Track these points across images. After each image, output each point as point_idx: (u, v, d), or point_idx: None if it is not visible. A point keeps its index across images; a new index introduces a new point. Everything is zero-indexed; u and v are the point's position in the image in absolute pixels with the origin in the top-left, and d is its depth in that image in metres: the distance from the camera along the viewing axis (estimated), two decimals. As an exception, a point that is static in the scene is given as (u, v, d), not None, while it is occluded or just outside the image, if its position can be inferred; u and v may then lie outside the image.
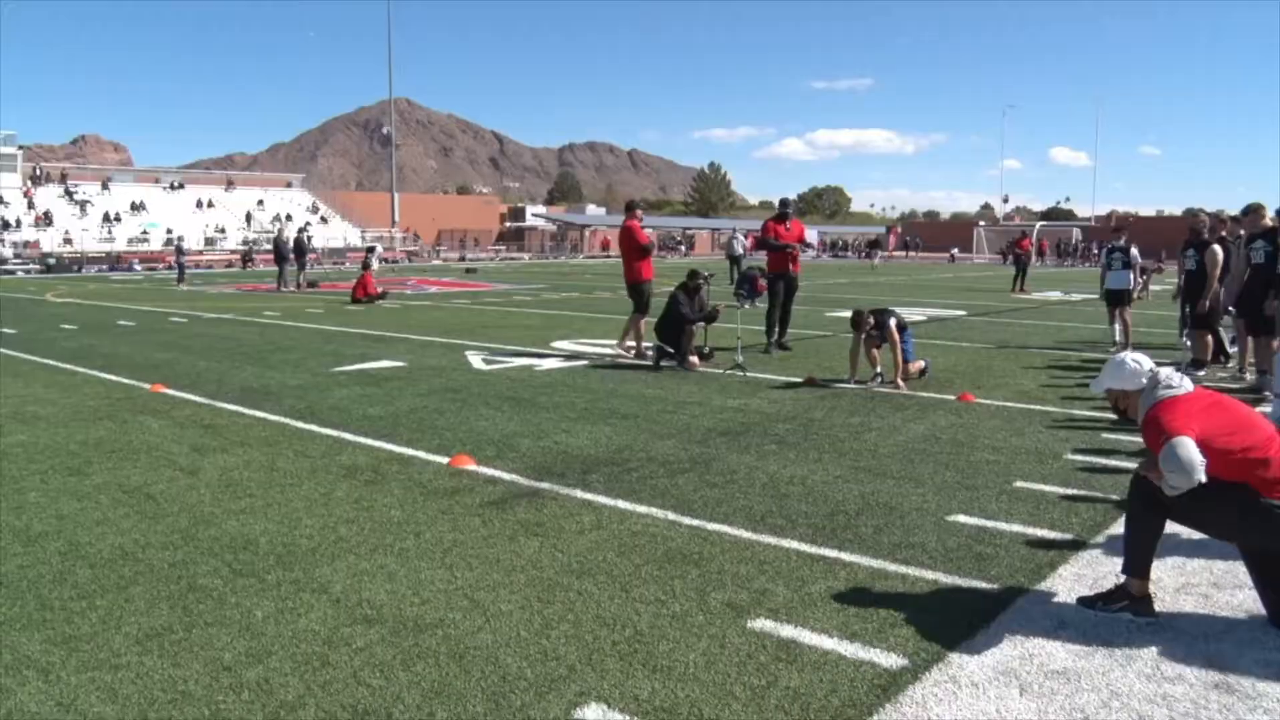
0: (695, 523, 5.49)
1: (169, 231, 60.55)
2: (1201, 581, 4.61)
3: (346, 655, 3.80)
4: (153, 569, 4.77)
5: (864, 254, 78.04)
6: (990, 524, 5.45)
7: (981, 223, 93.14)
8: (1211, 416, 4.02)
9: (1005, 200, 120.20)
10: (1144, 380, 4.24)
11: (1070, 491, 6.14)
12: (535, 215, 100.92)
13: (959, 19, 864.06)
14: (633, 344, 12.60)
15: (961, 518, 5.58)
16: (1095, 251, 58.93)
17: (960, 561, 4.85)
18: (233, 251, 56.95)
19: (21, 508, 5.82)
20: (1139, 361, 4.30)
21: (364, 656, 3.79)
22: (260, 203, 70.87)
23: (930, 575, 4.66)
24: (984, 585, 4.54)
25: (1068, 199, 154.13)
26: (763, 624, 4.09)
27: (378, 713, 3.36)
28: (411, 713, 3.36)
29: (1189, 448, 3.85)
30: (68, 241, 55.21)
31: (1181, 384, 4.17)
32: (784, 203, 13.96)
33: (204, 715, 3.35)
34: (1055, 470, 6.69)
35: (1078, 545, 5.11)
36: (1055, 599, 4.39)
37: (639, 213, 13.07)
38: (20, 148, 65.40)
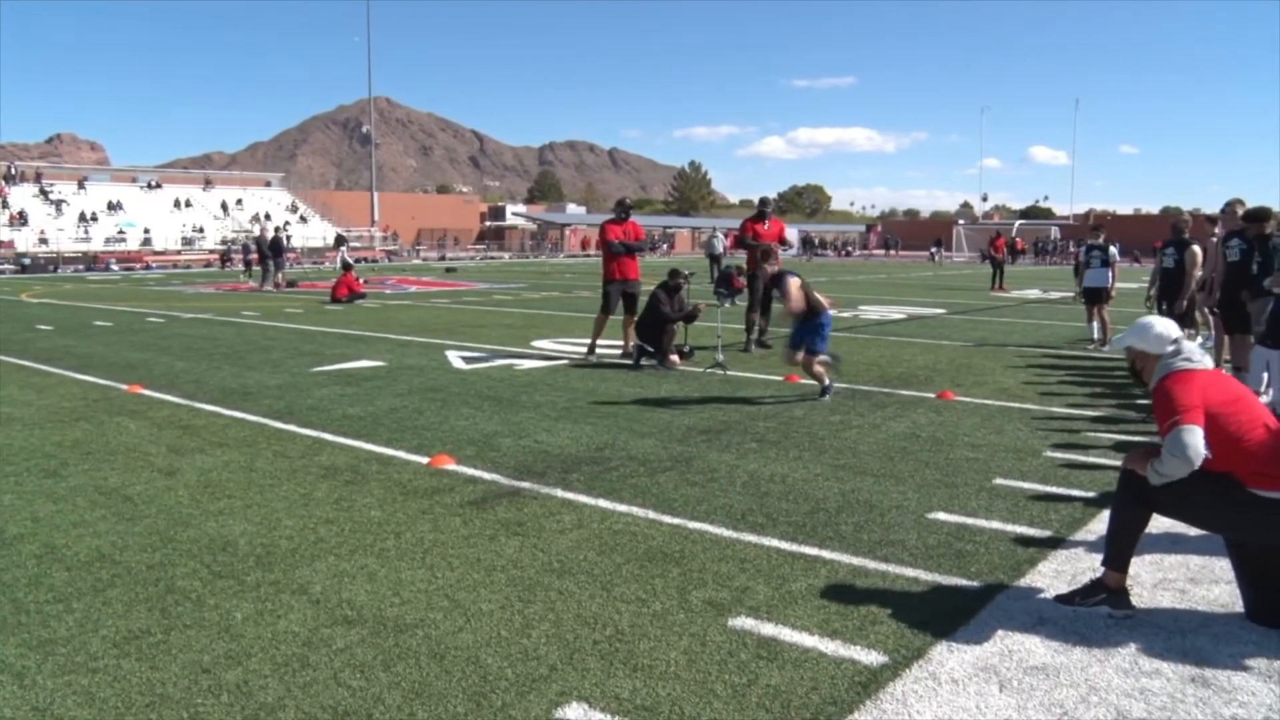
0: (676, 521, 5.49)
1: (146, 231, 60.18)
2: (1178, 577, 4.65)
3: (327, 656, 3.78)
4: (130, 571, 4.73)
5: (844, 253, 78.27)
6: (970, 521, 5.48)
7: (961, 221, 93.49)
8: (1219, 390, 4.09)
9: (984, 199, 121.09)
10: (1167, 347, 4.25)
11: (1049, 489, 6.17)
12: (515, 214, 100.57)
13: (940, 18, 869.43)
14: (606, 343, 12.59)
15: (941, 515, 5.60)
16: (1074, 249, 59.28)
17: (940, 559, 4.87)
18: (211, 251, 56.66)
19: (-3, 510, 5.76)
20: (1167, 328, 4.31)
21: (344, 657, 3.77)
22: (239, 202, 70.50)
23: (910, 572, 4.68)
24: (964, 582, 4.56)
25: (1046, 197, 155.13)
26: (744, 622, 4.09)
27: (358, 714, 3.34)
28: (392, 713, 3.35)
29: (1198, 437, 3.92)
30: (43, 241, 54.78)
31: (1201, 360, 4.19)
32: (763, 202, 14.07)
33: (183, 718, 3.33)
34: (1035, 467, 6.73)
35: (1057, 542, 5.14)
36: (1034, 595, 4.41)
37: (626, 208, 12.97)
38: (-6, 147, 64.80)
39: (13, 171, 65.89)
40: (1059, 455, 7.10)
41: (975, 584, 4.53)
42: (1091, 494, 6.02)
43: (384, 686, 3.53)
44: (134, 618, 4.17)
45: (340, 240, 56.71)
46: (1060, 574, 4.66)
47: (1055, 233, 76.20)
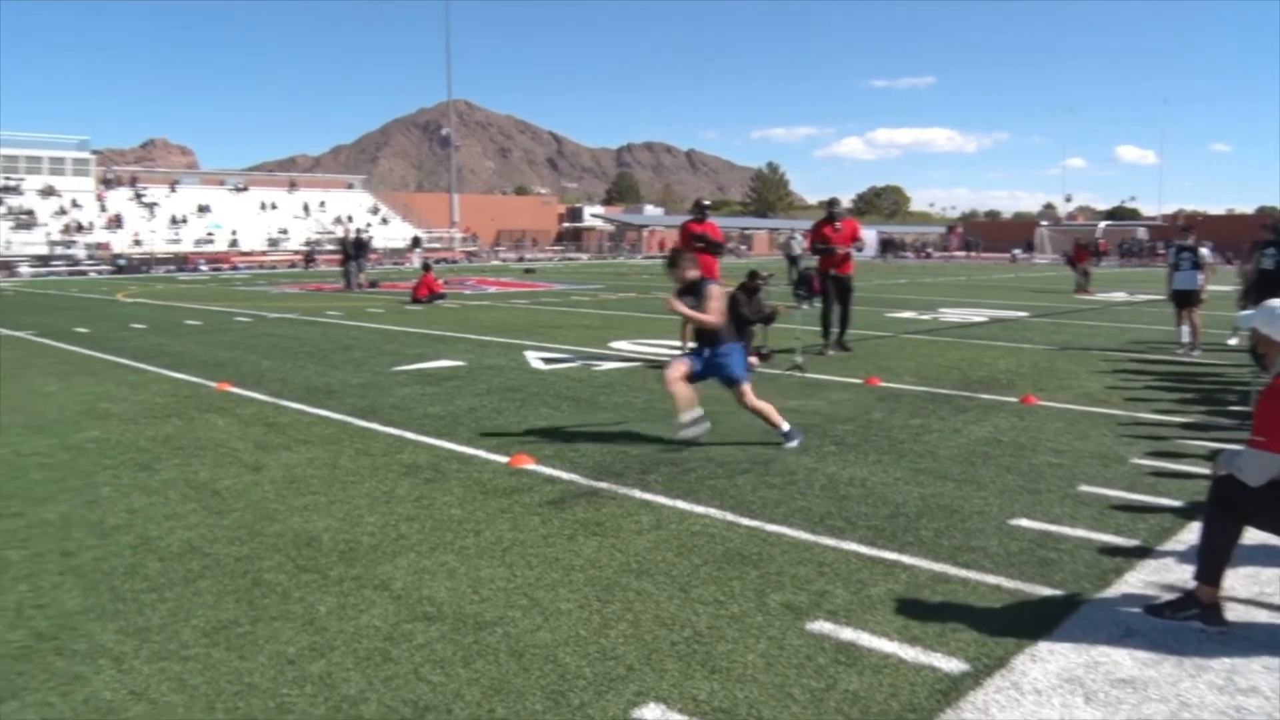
0: (754, 523, 5.47)
1: (233, 232, 61.72)
2: (1276, 591, 4.49)
3: (408, 651, 3.84)
4: (219, 563, 4.87)
5: (925, 254, 77.26)
6: (1054, 528, 5.37)
7: (1044, 222, 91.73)
8: None
9: (1068, 199, 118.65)
10: None
11: (1136, 497, 6.02)
12: (593, 215, 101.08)
13: (1023, 17, 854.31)
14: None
15: (1024, 522, 5.49)
16: (1162, 251, 57.74)
17: (1023, 566, 4.78)
18: (295, 252, 57.91)
19: (95, 501, 5.97)
20: None
21: (425, 653, 3.83)
22: (322, 204, 71.95)
23: (992, 579, 4.60)
24: (1048, 591, 4.47)
25: (1133, 198, 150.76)
26: (822, 626, 4.06)
27: (438, 709, 3.39)
28: (471, 709, 3.39)
29: (1269, 468, 3.88)
30: (137, 243, 56.57)
31: None
32: (832, 203, 13.68)
33: (269, 707, 3.41)
34: (1121, 474, 6.57)
35: (1144, 551, 5.01)
36: (1121, 606, 4.31)
37: (704, 208, 12.76)
38: (93, 152, 67.05)
39: (109, 176, 68.13)
40: (1146, 463, 6.91)
41: (1059, 593, 4.44)
42: (1180, 503, 5.85)
43: (463, 682, 3.58)
44: (223, 608, 4.29)
45: (416, 241, 57.52)
46: (1149, 585, 4.54)
47: (1142, 234, 74.24)
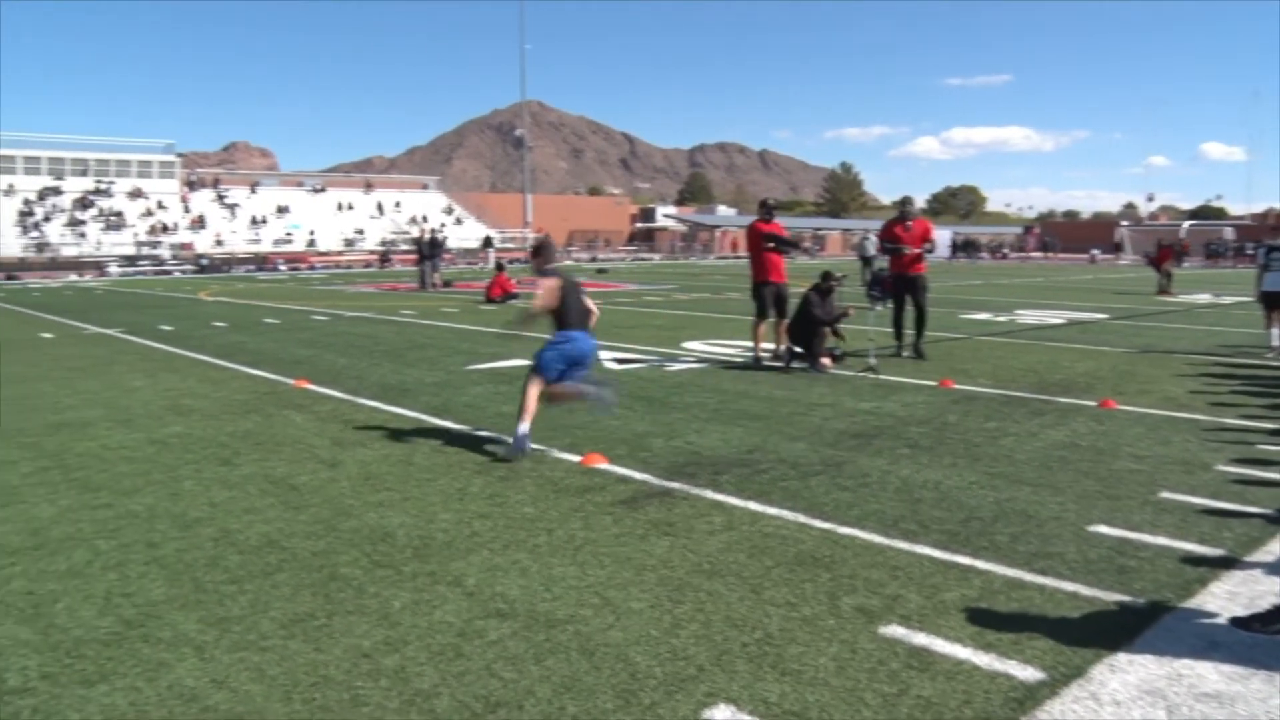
0: (826, 526, 5.43)
1: (311, 233, 62.91)
2: (1368, 603, 4.34)
3: (480, 647, 3.88)
4: (296, 557, 4.97)
5: (1001, 255, 75.96)
6: (1134, 536, 5.24)
7: (1124, 222, 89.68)
8: None
9: (1150, 199, 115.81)
10: None
11: (1221, 505, 5.85)
12: (666, 216, 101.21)
13: (1101, 12, 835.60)
14: (769, 346, 12.31)
15: (1103, 528, 5.38)
16: (1250, 251, 55.97)
17: (1102, 574, 4.68)
18: (371, 252, 58.84)
19: (178, 494, 6.14)
20: None
21: (497, 649, 3.86)
22: (397, 204, 72.97)
23: (1070, 587, 4.51)
24: (1127, 599, 4.36)
25: (1219, 196, 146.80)
26: (894, 630, 4.02)
27: (510, 705, 3.43)
28: (543, 706, 3.41)
29: None
30: (219, 243, 57.97)
31: None
32: (904, 201, 13.48)
33: (344, 699, 3.47)
34: (1205, 481, 6.39)
35: (1230, 562, 4.87)
36: (1205, 617, 4.19)
37: (769, 209, 12.62)
38: (178, 155, 68.89)
39: (193, 178, 69.96)
40: (1232, 470, 6.72)
41: (1139, 602, 4.34)
42: (1269, 511, 5.67)
43: (535, 679, 3.61)
44: (300, 601, 4.37)
45: (488, 241, 58.06)
46: (1235, 596, 4.41)
47: (1229, 233, 72.08)
